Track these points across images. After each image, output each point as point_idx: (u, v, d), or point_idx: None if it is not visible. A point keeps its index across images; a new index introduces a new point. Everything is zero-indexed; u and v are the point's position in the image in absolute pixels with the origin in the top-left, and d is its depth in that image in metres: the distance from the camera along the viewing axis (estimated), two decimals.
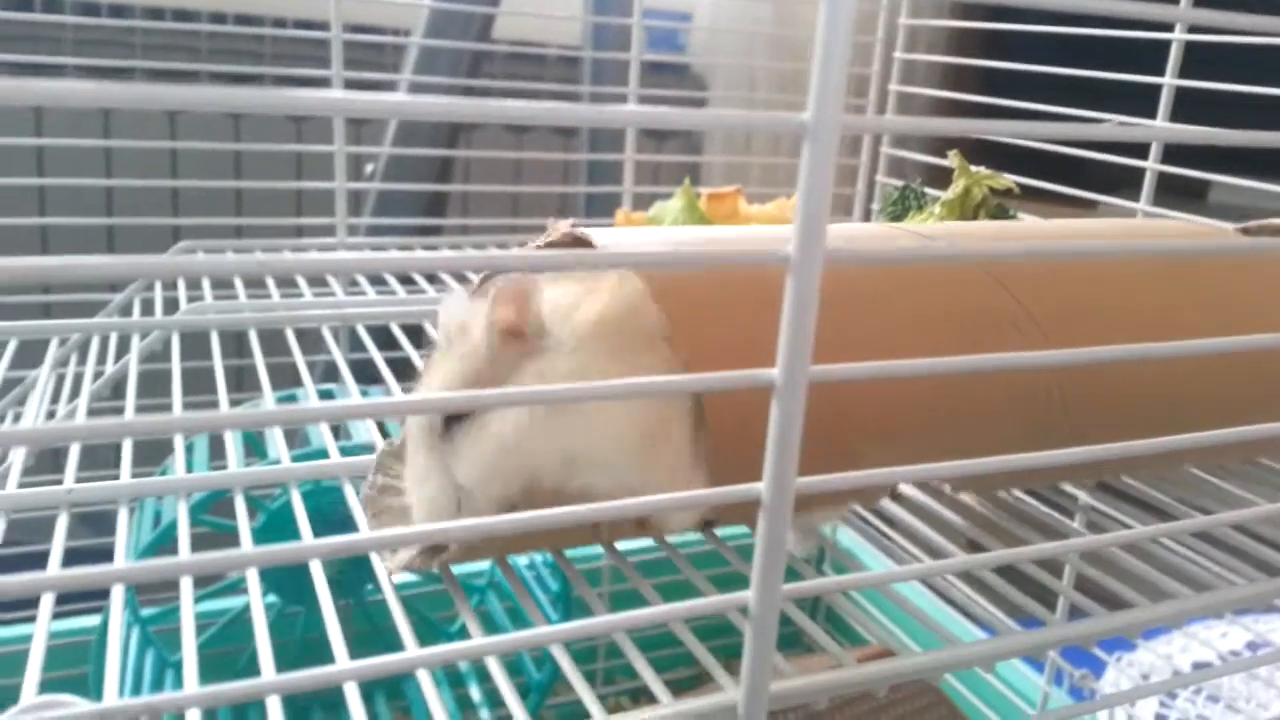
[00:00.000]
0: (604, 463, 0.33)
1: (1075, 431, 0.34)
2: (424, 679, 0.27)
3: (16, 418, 0.58)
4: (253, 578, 0.30)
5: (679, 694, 0.28)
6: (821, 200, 0.21)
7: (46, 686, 0.27)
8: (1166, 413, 0.36)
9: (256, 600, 0.29)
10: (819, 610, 0.92)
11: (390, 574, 0.32)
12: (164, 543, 0.57)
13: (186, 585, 0.28)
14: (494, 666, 0.29)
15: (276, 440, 0.58)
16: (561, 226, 0.33)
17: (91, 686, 0.59)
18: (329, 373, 0.90)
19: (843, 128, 0.20)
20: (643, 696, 0.88)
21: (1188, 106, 0.65)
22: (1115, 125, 0.26)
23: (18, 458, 0.39)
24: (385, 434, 0.50)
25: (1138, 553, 0.38)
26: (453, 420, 0.33)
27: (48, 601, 0.28)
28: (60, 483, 0.37)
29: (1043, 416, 0.33)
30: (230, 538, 0.75)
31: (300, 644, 0.70)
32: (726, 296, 0.32)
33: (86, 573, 0.23)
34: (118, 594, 0.29)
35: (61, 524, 0.32)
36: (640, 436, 0.32)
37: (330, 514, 0.45)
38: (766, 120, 0.21)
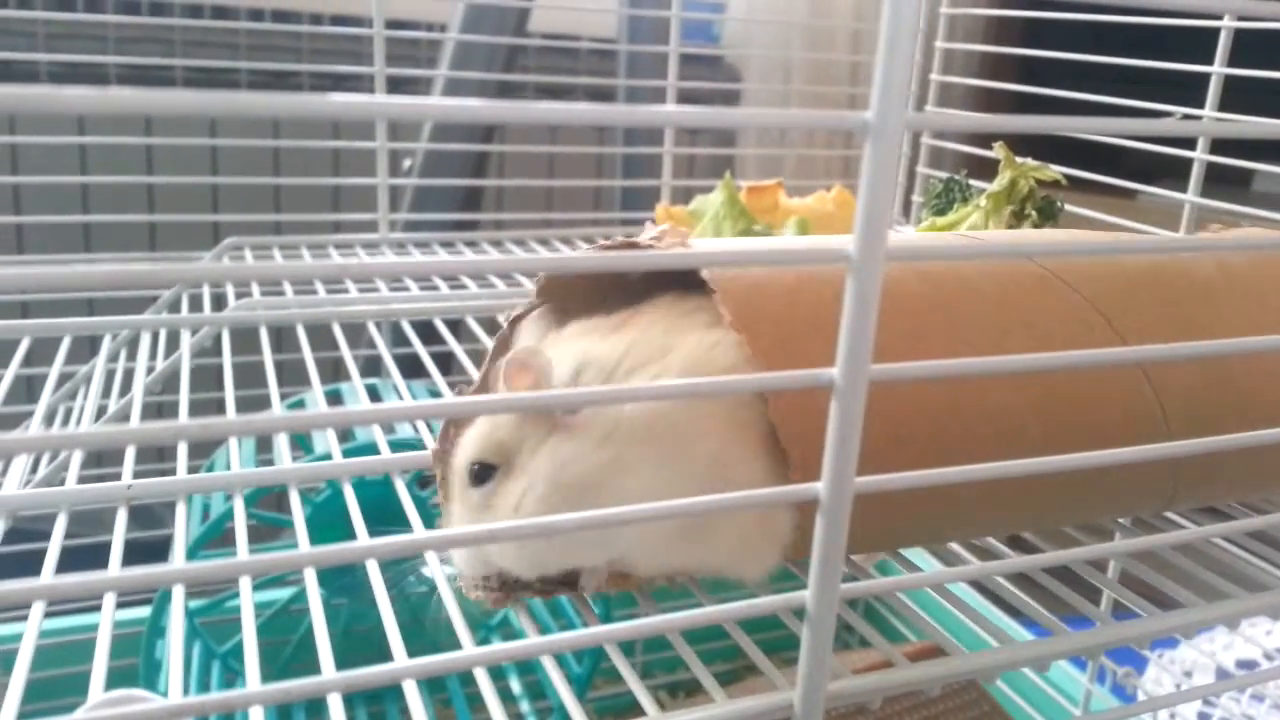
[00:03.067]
0: (648, 554, 0.30)
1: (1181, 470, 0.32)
2: (480, 675, 0.27)
3: (68, 413, 0.59)
4: (310, 577, 0.30)
5: (721, 688, 0.27)
6: (883, 199, 0.20)
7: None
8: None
9: (315, 599, 0.30)
10: (857, 604, 0.92)
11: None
12: (213, 536, 0.58)
13: (245, 584, 0.29)
14: (545, 660, 0.29)
15: (324, 433, 0.59)
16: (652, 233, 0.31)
17: (142, 678, 0.60)
18: (371, 365, 0.90)
19: (906, 125, 0.20)
20: (680, 691, 0.88)
21: (1228, 92, 0.64)
22: (1178, 120, 0.26)
23: (75, 455, 0.40)
24: (430, 428, 0.51)
25: (1188, 550, 0.38)
26: (484, 478, 0.31)
27: (110, 599, 0.29)
28: (109, 475, 0.37)
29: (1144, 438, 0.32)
30: (276, 530, 0.76)
31: (344, 636, 0.71)
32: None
33: (147, 573, 0.23)
34: (178, 594, 0.29)
35: (121, 519, 0.33)
36: (684, 527, 0.29)
37: (377, 505, 0.46)
38: (829, 119, 0.21)
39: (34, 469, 0.46)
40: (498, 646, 0.23)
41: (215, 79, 1.22)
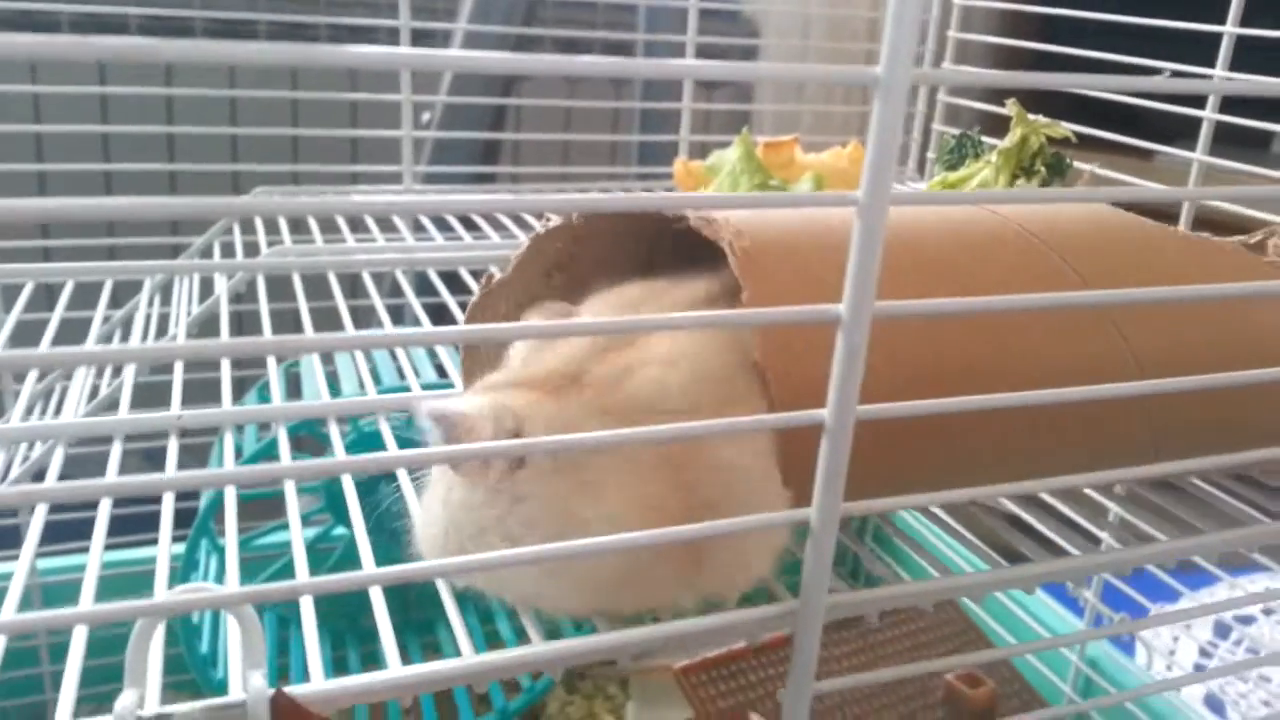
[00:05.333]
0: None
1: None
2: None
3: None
4: (348, 483, 0.33)
5: None
6: (890, 149, 0.22)
7: None
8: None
9: (354, 504, 0.32)
10: (858, 566, 0.94)
11: None
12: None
13: (290, 489, 0.31)
14: None
15: (351, 377, 0.62)
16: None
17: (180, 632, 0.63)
18: (396, 315, 0.93)
19: (913, 80, 0.22)
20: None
21: (1249, 53, 0.65)
22: (1168, 77, 0.27)
23: (128, 382, 0.42)
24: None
25: (1184, 502, 0.40)
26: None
27: (168, 512, 0.31)
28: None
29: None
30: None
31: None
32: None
33: (201, 474, 0.26)
34: (231, 495, 0.32)
35: (172, 447, 0.36)
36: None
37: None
38: (839, 74, 0.23)
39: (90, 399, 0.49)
40: (529, 549, 0.26)
41: (234, 30, 1.23)
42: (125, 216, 0.23)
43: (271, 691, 0.21)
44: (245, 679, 0.22)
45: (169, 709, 0.21)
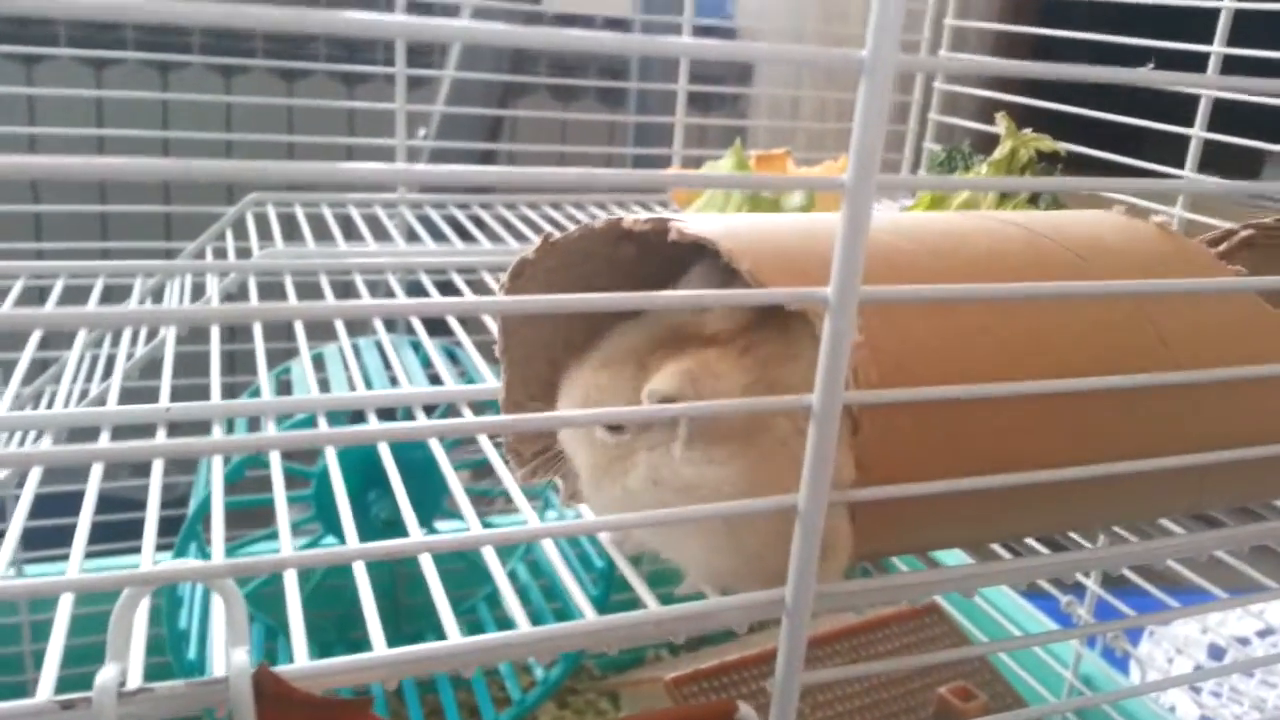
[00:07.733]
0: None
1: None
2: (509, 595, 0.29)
3: (106, 355, 0.61)
4: (331, 457, 0.33)
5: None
6: (875, 132, 0.22)
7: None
8: None
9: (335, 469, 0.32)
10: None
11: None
12: (233, 480, 0.60)
13: (275, 459, 0.31)
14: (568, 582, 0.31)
15: (342, 383, 0.61)
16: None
17: (169, 646, 0.62)
18: (388, 324, 0.93)
19: (898, 65, 0.22)
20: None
21: (1240, 71, 0.65)
22: (1149, 71, 0.27)
23: (115, 384, 0.42)
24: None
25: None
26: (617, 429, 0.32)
27: (155, 491, 0.31)
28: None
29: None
30: (268, 512, 0.79)
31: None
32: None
33: (191, 443, 0.25)
34: (218, 465, 0.32)
35: (161, 437, 0.35)
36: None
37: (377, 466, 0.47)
38: (826, 56, 0.23)
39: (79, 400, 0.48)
40: (524, 529, 0.26)
41: (229, 69, 1.24)
42: (130, 177, 0.22)
43: (254, 668, 0.21)
44: (228, 655, 0.22)
45: (151, 685, 0.21)
